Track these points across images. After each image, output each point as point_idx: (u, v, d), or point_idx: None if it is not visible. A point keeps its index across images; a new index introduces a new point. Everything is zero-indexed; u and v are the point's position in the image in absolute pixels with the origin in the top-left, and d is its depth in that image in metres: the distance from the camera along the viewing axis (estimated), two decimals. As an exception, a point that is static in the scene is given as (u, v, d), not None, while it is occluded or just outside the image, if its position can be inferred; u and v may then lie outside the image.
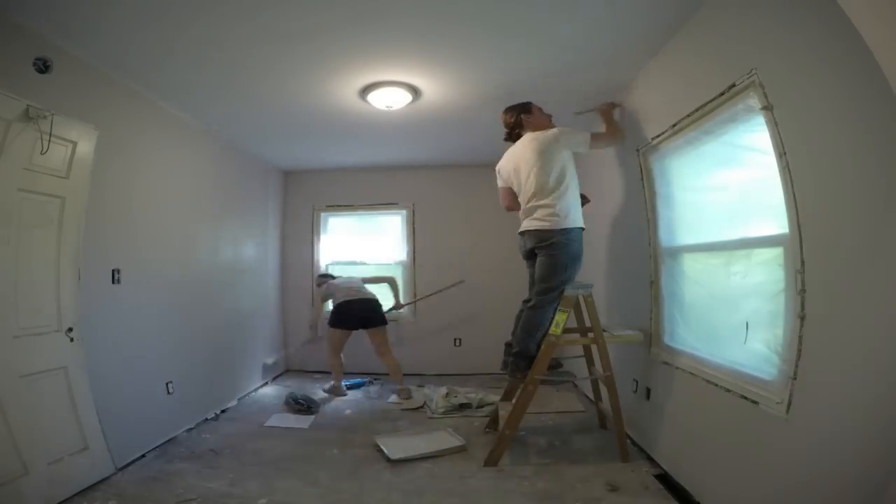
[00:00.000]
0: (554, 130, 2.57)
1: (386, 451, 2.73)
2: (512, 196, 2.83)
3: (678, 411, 2.36)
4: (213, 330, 3.66)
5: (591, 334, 2.66)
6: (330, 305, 4.26)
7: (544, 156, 2.52)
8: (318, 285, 4.51)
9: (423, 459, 2.69)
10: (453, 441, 2.91)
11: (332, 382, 4.22)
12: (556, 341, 2.54)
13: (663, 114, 2.42)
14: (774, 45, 1.61)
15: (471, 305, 4.98)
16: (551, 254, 2.51)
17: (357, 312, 4.06)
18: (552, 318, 2.54)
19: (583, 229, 2.58)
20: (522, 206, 2.68)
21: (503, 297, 4.95)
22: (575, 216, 2.53)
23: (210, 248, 3.71)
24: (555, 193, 2.51)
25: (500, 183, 2.90)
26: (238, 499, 2.28)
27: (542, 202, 2.53)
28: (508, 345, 2.73)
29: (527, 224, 2.63)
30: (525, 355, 2.58)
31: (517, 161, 2.67)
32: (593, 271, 3.47)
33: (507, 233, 5.02)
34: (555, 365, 2.74)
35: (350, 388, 4.33)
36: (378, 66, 2.64)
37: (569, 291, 2.54)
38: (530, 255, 2.70)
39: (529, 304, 2.62)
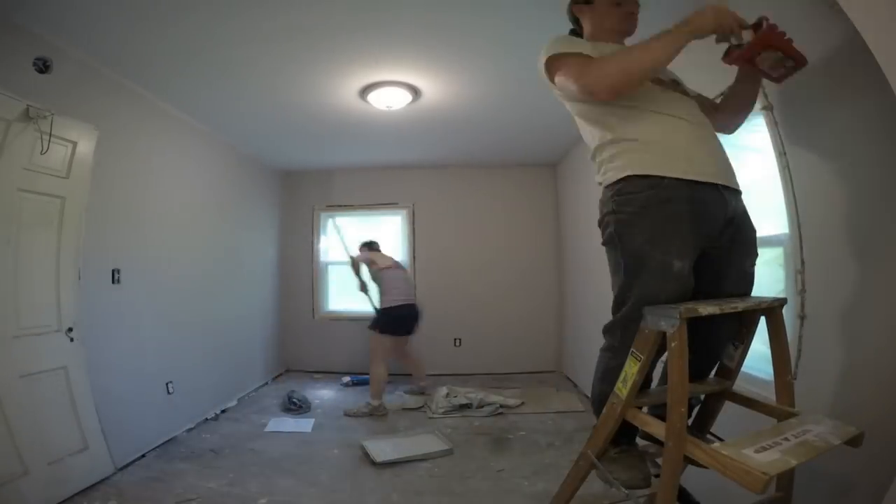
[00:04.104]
0: None
1: (371, 454, 2.73)
2: None
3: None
4: (212, 330, 3.65)
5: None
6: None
7: None
8: (360, 251, 4.16)
9: (423, 460, 2.69)
10: (440, 444, 2.90)
11: (374, 401, 3.56)
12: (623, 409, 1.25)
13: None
14: (774, 45, 1.61)
15: (471, 305, 4.99)
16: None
17: (414, 318, 3.83)
18: None
19: None
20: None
21: (504, 296, 4.99)
22: None
23: (210, 247, 3.71)
24: None
25: None
26: (238, 499, 2.28)
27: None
28: None
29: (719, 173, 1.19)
30: None
31: None
32: (591, 276, 3.47)
33: (507, 232, 5.07)
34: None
35: (357, 384, 4.36)
36: (378, 66, 2.64)
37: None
38: (709, 242, 1.18)
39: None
